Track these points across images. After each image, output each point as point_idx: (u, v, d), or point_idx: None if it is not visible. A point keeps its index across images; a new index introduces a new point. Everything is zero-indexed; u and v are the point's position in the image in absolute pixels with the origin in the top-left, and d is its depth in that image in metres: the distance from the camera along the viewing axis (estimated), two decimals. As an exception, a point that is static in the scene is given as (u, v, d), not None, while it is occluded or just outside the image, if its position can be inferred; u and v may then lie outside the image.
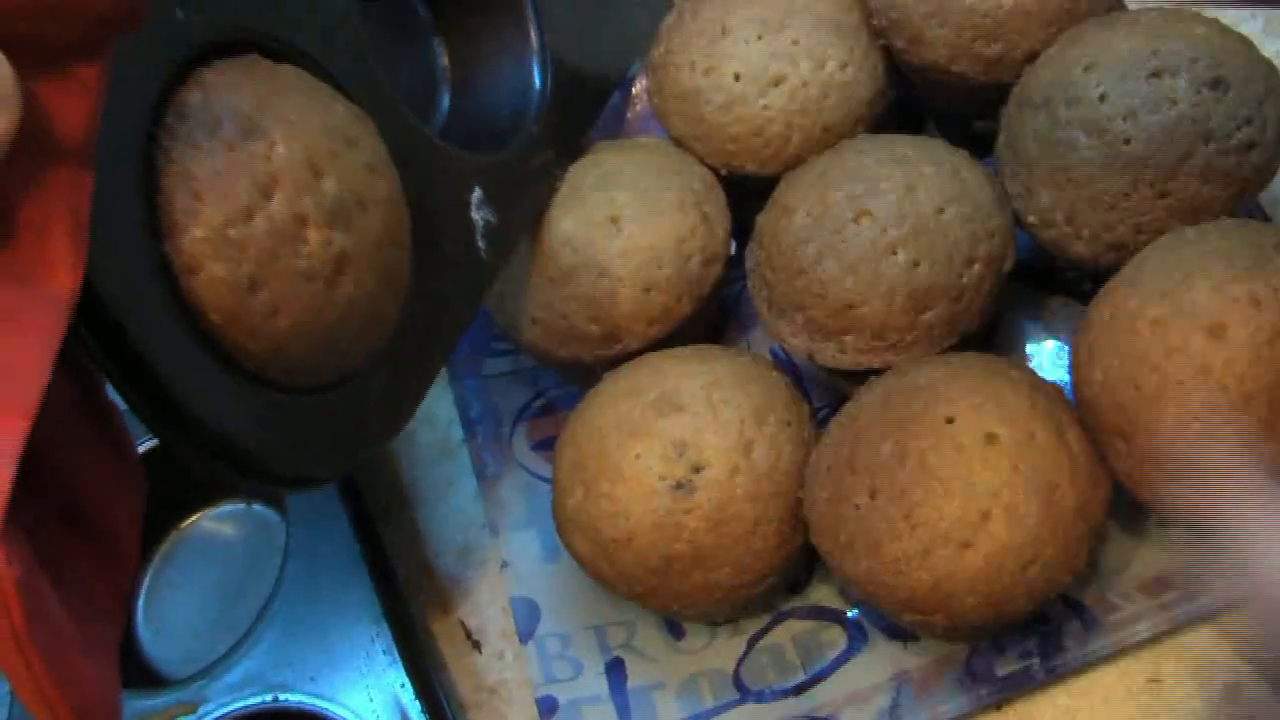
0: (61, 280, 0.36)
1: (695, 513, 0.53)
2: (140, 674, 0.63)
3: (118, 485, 0.44)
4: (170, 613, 0.65)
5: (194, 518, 0.67)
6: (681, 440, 0.54)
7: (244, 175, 0.44)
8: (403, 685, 0.57)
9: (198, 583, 0.66)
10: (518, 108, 0.64)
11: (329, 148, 0.47)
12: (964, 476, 0.50)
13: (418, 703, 0.56)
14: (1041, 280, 0.61)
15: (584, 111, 0.68)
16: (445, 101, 0.66)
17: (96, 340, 0.42)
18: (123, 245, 0.42)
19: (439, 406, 0.67)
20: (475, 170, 0.58)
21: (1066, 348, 0.60)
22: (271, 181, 0.45)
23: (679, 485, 0.54)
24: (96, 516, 0.43)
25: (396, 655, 0.58)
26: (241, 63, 0.47)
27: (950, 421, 0.51)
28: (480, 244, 0.58)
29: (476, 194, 0.58)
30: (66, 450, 0.42)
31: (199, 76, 0.45)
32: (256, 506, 0.67)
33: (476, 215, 0.58)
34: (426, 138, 0.56)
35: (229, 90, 0.45)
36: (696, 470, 0.54)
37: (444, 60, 0.67)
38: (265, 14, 0.49)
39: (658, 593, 0.55)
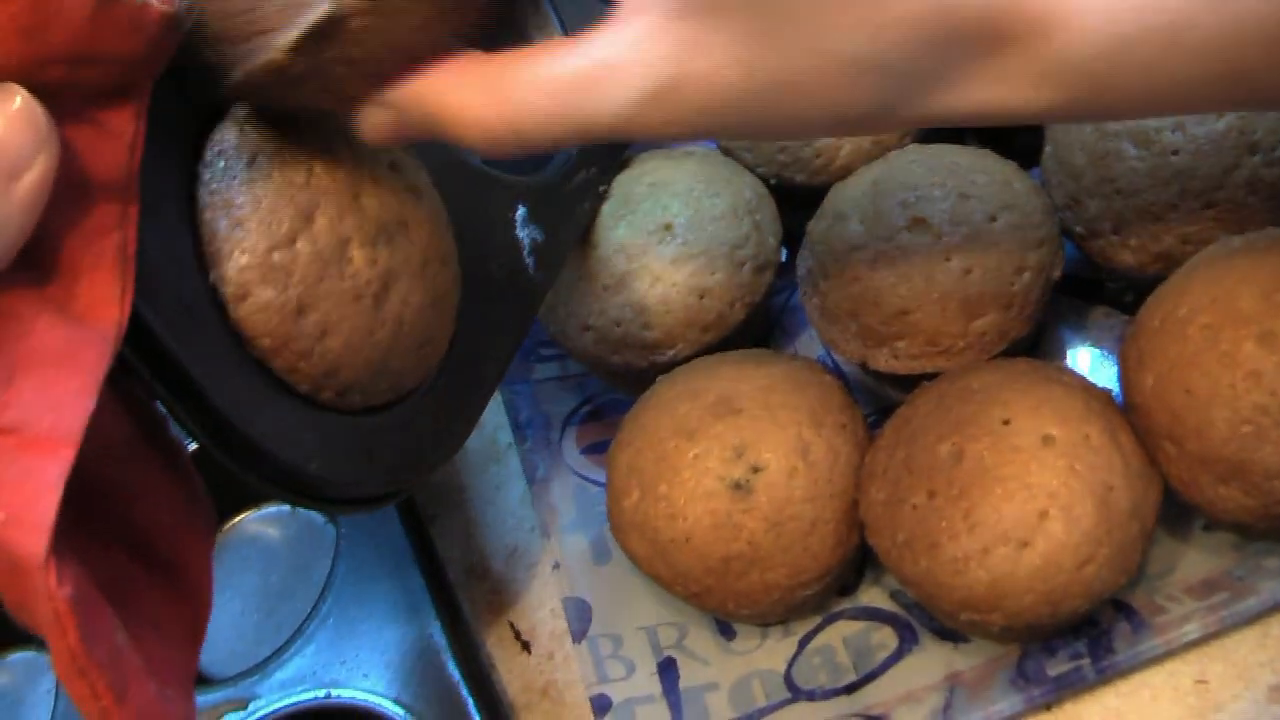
0: (109, 314, 0.39)
1: (753, 513, 0.55)
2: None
3: (186, 521, 0.46)
4: (214, 614, 0.66)
5: (238, 519, 0.69)
6: (740, 442, 0.56)
7: (285, 201, 0.46)
8: (457, 683, 0.58)
9: (242, 584, 0.67)
10: None
11: (368, 172, 0.49)
12: (1021, 477, 0.52)
13: (471, 700, 0.58)
14: (1084, 291, 0.64)
15: None
16: None
17: (151, 372, 0.44)
18: (172, 278, 0.44)
19: (486, 412, 0.68)
20: (517, 190, 0.61)
21: (1109, 357, 0.63)
22: (312, 206, 0.47)
23: (737, 486, 0.56)
24: (163, 549, 0.45)
25: (450, 654, 0.59)
26: None
27: (1007, 423, 0.53)
28: (528, 261, 0.60)
29: (520, 212, 0.60)
30: (128, 484, 0.44)
31: (234, 113, 0.47)
32: (300, 509, 0.69)
33: (522, 234, 0.60)
34: (463, 159, 0.59)
35: (264, 122, 0.47)
36: (755, 471, 0.56)
37: None
38: None
39: (714, 592, 0.57)
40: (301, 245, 0.46)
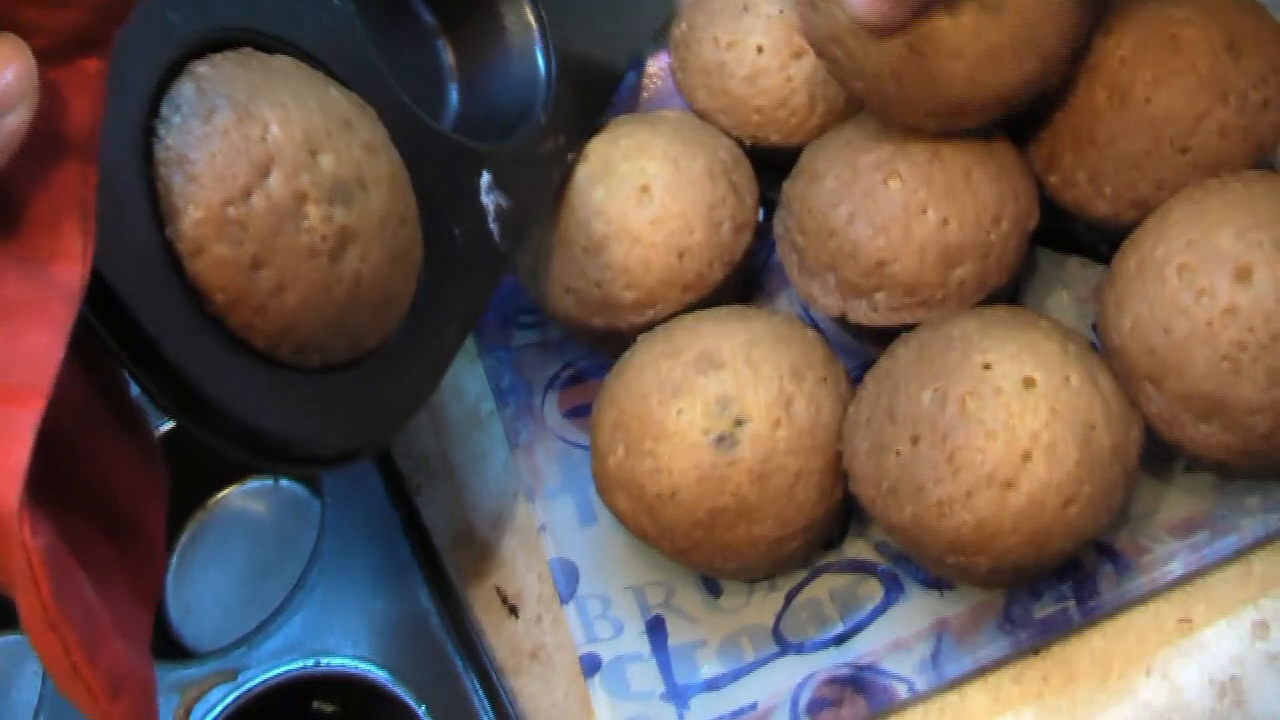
0: (72, 269, 0.38)
1: (739, 466, 0.56)
2: (171, 650, 0.64)
3: (145, 484, 0.46)
4: (200, 590, 0.66)
5: (220, 495, 0.69)
6: (723, 396, 0.57)
7: (239, 156, 0.47)
8: (446, 648, 0.59)
9: (227, 560, 0.67)
10: (524, 98, 0.67)
11: (324, 128, 0.50)
12: (1004, 419, 0.52)
13: (461, 664, 0.58)
14: (1058, 243, 0.65)
15: (595, 97, 0.70)
16: (454, 99, 0.69)
17: (109, 329, 0.44)
18: (129, 234, 0.45)
19: (466, 380, 0.69)
20: (482, 156, 0.61)
21: (1085, 306, 0.63)
22: (268, 161, 0.47)
23: (722, 439, 0.56)
24: (123, 511, 0.45)
25: (439, 619, 0.59)
26: (235, 56, 0.50)
27: (988, 368, 0.54)
28: (492, 227, 0.60)
29: (485, 179, 0.60)
30: (89, 443, 0.44)
31: (192, 70, 0.48)
32: (284, 483, 0.69)
33: (487, 199, 0.60)
34: (427, 125, 0.59)
35: (221, 80, 0.48)
36: (739, 424, 0.56)
37: (450, 60, 0.69)
38: (259, 12, 0.52)
39: (701, 547, 0.57)
40: (257, 200, 0.47)
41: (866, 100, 0.59)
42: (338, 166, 0.49)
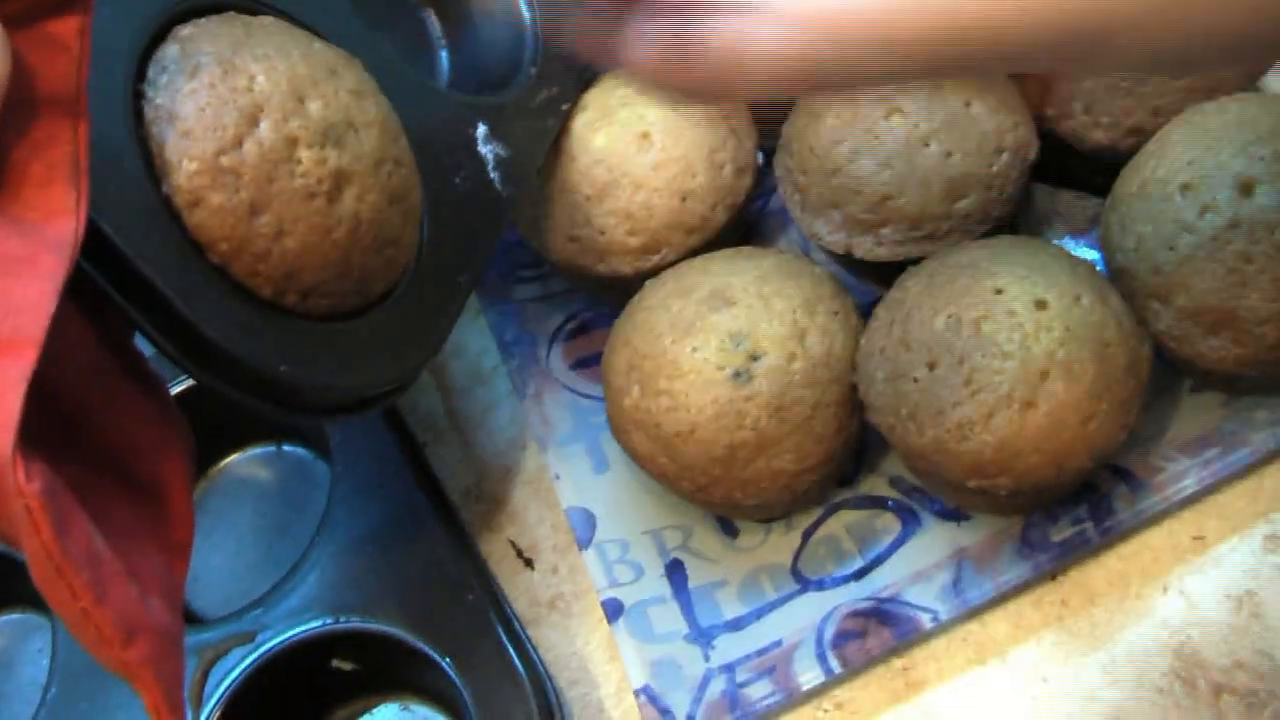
0: (65, 225, 0.39)
1: (756, 400, 0.56)
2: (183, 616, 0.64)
3: (159, 439, 0.46)
4: (205, 558, 0.66)
5: (224, 462, 0.69)
6: (737, 331, 0.57)
7: (227, 107, 0.48)
8: (468, 600, 0.58)
9: (232, 527, 0.67)
10: (513, 55, 0.67)
11: (310, 76, 0.51)
12: (1020, 340, 0.53)
13: (487, 614, 0.58)
14: (1053, 177, 0.66)
15: None
16: (445, 64, 0.69)
17: (114, 284, 0.45)
18: (128, 192, 0.46)
19: (468, 337, 0.70)
20: (475, 108, 0.62)
21: (1081, 238, 0.65)
22: (255, 110, 0.49)
23: (738, 374, 0.56)
24: (136, 466, 0.45)
25: (459, 571, 0.59)
26: (218, 18, 0.51)
27: (999, 292, 0.54)
28: (493, 176, 0.61)
29: (481, 130, 0.61)
30: (97, 400, 0.44)
31: (176, 33, 0.50)
32: (287, 447, 0.68)
33: (485, 150, 0.61)
34: (417, 79, 0.61)
35: (205, 39, 0.50)
36: (754, 359, 0.57)
37: (436, 28, 0.70)
38: None
39: (720, 483, 0.57)
40: (249, 148, 0.48)
41: None
42: (326, 110, 0.51)
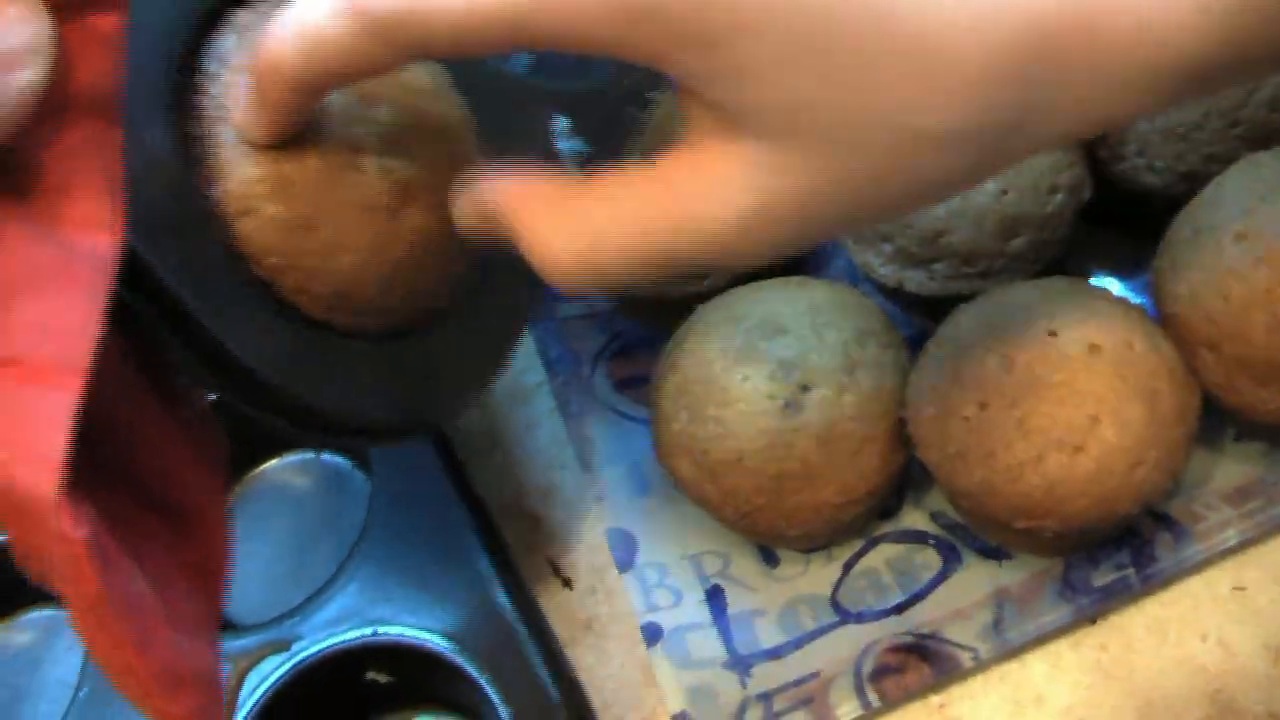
0: (101, 239, 0.37)
1: (804, 431, 0.57)
2: (218, 623, 0.64)
3: (193, 464, 0.45)
4: (240, 565, 0.66)
5: (259, 469, 0.69)
6: (788, 361, 0.57)
7: None
8: (508, 616, 0.59)
9: (268, 533, 0.67)
10: None
11: (379, 79, 0.46)
12: (1072, 384, 0.54)
13: (523, 632, 0.59)
14: (1099, 217, 0.66)
15: None
16: (523, 59, 0.67)
17: (145, 299, 0.42)
18: (164, 197, 0.43)
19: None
20: (554, 100, 0.58)
21: (1129, 281, 0.65)
22: (320, 114, 0.45)
23: (788, 404, 0.57)
24: (171, 493, 0.44)
25: (499, 587, 0.60)
26: (276, 3, 0.46)
27: (1053, 334, 0.55)
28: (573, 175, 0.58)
29: (560, 124, 0.59)
30: (128, 423, 0.42)
31: (231, 20, 0.46)
32: (326, 455, 0.69)
33: (564, 147, 0.59)
34: (490, 68, 0.56)
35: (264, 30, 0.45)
36: (804, 390, 0.57)
37: None
38: None
39: (764, 512, 0.58)
40: (309, 156, 0.45)
41: None
42: (395, 116, 0.47)
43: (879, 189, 0.39)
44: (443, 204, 0.48)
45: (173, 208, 0.44)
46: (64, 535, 0.34)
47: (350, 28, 0.38)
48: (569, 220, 0.41)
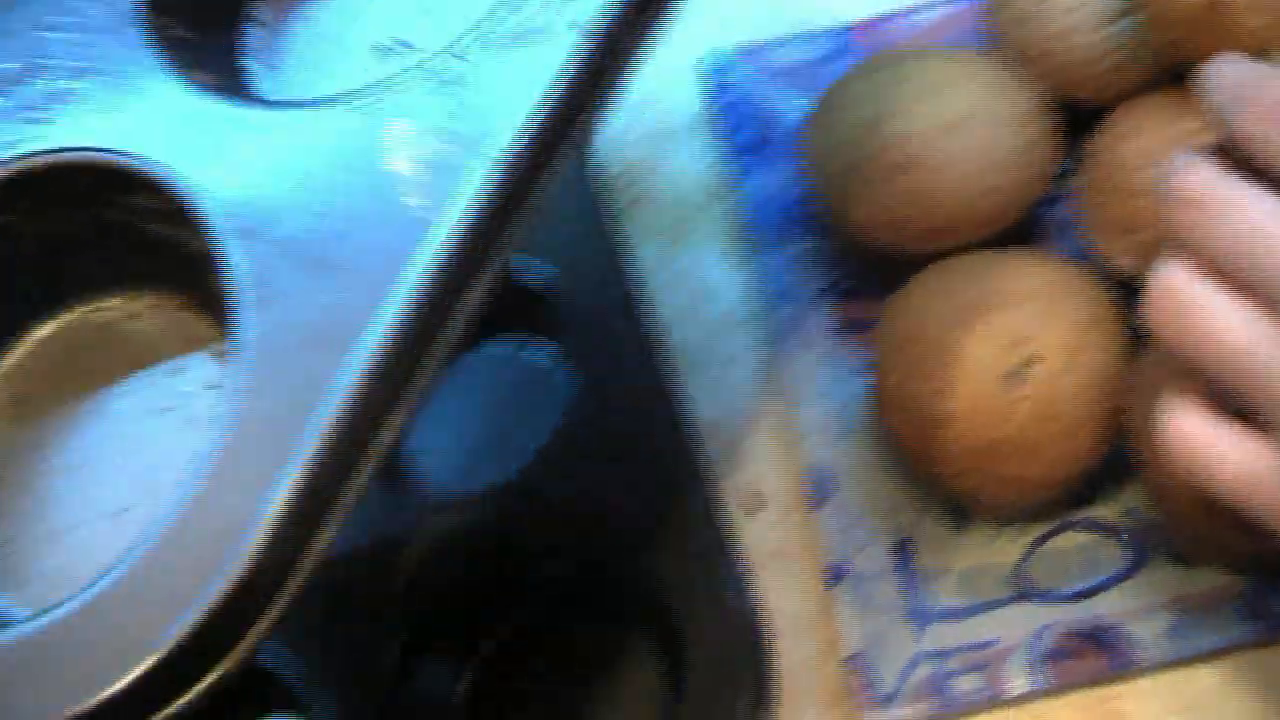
0: None
1: (1024, 403, 0.58)
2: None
3: None
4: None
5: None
6: (1017, 331, 0.58)
7: None
8: (700, 534, 0.62)
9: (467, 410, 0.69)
10: None
11: None
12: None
13: (716, 551, 0.61)
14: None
15: None
16: None
17: None
18: None
19: (723, 281, 0.72)
20: None
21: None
22: None
23: (1010, 375, 0.58)
24: None
25: (695, 503, 0.62)
26: None
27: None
28: None
29: None
30: None
31: None
32: (528, 350, 0.69)
33: None
34: None
35: None
36: (1029, 364, 0.58)
37: None
38: None
39: (969, 476, 0.59)
40: None
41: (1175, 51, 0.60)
42: None
43: None
44: None
45: None
46: None
47: None
48: None
